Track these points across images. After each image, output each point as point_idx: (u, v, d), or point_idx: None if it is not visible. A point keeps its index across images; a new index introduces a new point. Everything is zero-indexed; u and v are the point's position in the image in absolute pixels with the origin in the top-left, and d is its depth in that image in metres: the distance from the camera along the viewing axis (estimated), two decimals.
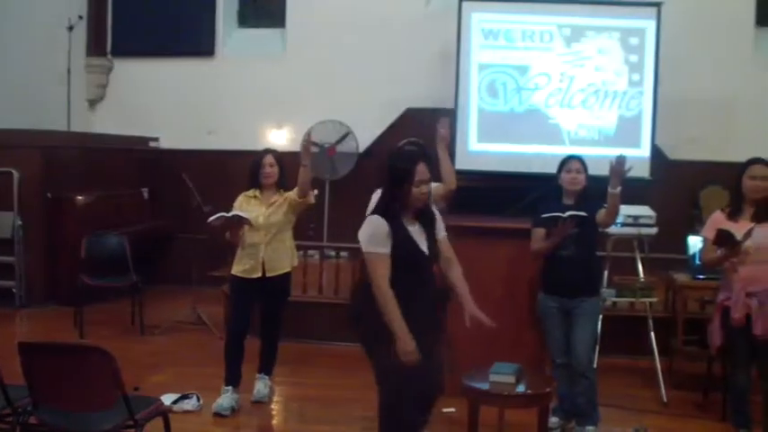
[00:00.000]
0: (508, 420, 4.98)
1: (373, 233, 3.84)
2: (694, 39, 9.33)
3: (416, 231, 3.91)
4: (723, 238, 4.69)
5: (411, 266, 3.84)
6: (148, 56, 10.49)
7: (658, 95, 8.97)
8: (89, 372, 3.60)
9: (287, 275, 5.61)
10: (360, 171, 9.57)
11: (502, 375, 3.76)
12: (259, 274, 5.44)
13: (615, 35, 9.05)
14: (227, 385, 5.46)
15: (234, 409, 5.42)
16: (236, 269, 5.55)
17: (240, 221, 5.37)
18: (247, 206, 5.50)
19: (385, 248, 3.80)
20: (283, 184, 5.57)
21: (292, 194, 5.45)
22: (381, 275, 3.77)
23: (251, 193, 5.58)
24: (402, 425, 3.87)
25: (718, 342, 4.97)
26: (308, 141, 5.37)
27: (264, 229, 5.45)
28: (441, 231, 4.01)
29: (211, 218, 5.41)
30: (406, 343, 3.67)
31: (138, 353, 6.75)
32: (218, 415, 5.33)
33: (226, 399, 5.42)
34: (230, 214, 5.38)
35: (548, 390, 3.88)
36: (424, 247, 3.90)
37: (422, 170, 3.82)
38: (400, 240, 3.82)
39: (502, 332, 4.14)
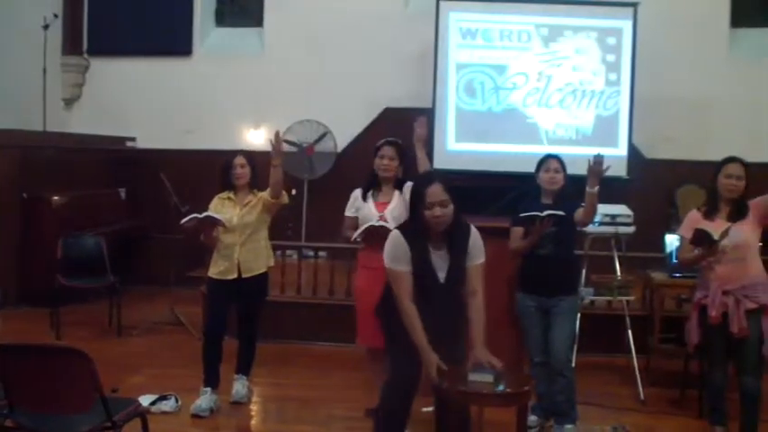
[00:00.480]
0: (488, 419, 5.01)
1: (392, 250, 3.89)
2: (670, 39, 9.42)
3: (440, 256, 3.90)
4: (700, 238, 4.73)
5: (421, 291, 3.87)
6: (125, 55, 10.42)
7: (635, 95, 9.03)
8: (66, 373, 3.57)
9: (263, 276, 5.58)
10: (338, 171, 9.57)
11: (481, 374, 3.76)
12: (235, 276, 5.41)
13: (592, 35, 9.10)
14: (205, 386, 5.44)
15: (212, 410, 5.40)
16: (212, 271, 5.52)
17: (213, 223, 5.33)
18: (222, 208, 5.47)
19: (404, 266, 3.83)
20: (256, 184, 5.52)
21: (265, 195, 5.42)
22: (402, 292, 3.83)
23: (225, 195, 5.55)
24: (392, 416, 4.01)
25: (695, 340, 5.01)
26: (277, 141, 5.32)
27: (239, 229, 5.42)
28: (474, 259, 3.94)
29: (184, 220, 5.38)
30: (427, 356, 3.75)
31: (116, 354, 6.70)
32: (196, 416, 5.31)
33: (204, 400, 5.39)
34: (203, 215, 5.34)
35: (526, 389, 3.88)
36: (441, 273, 3.90)
37: (433, 192, 3.77)
38: (417, 263, 3.84)
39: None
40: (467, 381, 3.72)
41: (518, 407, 3.98)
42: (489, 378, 3.73)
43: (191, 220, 5.33)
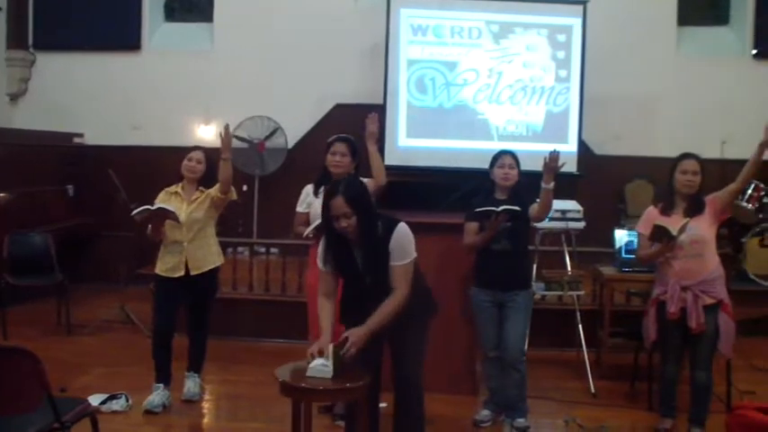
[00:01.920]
0: (439, 413, 5.04)
1: (319, 252, 4.14)
2: (619, 37, 9.56)
3: (359, 255, 3.99)
4: (659, 234, 4.78)
5: (348, 286, 4.11)
6: (72, 49, 10.29)
7: (585, 92, 9.13)
8: (12, 374, 3.49)
9: (213, 273, 5.52)
10: (289, 167, 9.54)
11: (320, 369, 3.77)
12: (182, 273, 5.33)
13: (543, 32, 9.19)
14: (157, 383, 5.40)
15: (165, 406, 5.36)
16: (159, 267, 5.43)
17: (165, 215, 5.24)
18: (168, 202, 5.36)
19: (324, 266, 4.10)
20: (206, 182, 5.42)
21: (214, 191, 5.35)
22: (320, 288, 4.14)
23: (173, 188, 5.46)
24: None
25: (653, 336, 5.05)
26: (226, 135, 5.25)
27: (187, 226, 5.33)
28: (396, 260, 3.93)
29: (135, 211, 5.24)
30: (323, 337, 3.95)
31: (65, 353, 6.61)
32: (149, 412, 5.26)
33: (157, 396, 5.35)
34: (155, 207, 5.25)
35: (354, 385, 3.83)
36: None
37: (335, 205, 3.84)
38: (336, 263, 4.04)
39: (433, 327, 4.18)
40: (304, 376, 3.77)
41: (353, 401, 3.97)
42: (328, 373, 3.74)
43: (142, 211, 5.22)
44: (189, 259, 5.34)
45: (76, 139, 10.23)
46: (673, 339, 4.96)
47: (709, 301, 4.81)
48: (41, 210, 8.82)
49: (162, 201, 5.39)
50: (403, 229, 3.96)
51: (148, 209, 5.22)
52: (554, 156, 4.79)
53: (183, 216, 5.30)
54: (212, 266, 5.48)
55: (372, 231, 3.89)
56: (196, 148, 5.57)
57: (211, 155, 5.50)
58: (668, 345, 5.00)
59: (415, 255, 3.98)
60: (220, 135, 5.24)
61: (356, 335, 3.81)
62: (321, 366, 3.75)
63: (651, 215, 5.04)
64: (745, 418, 4.50)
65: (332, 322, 4.01)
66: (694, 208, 4.88)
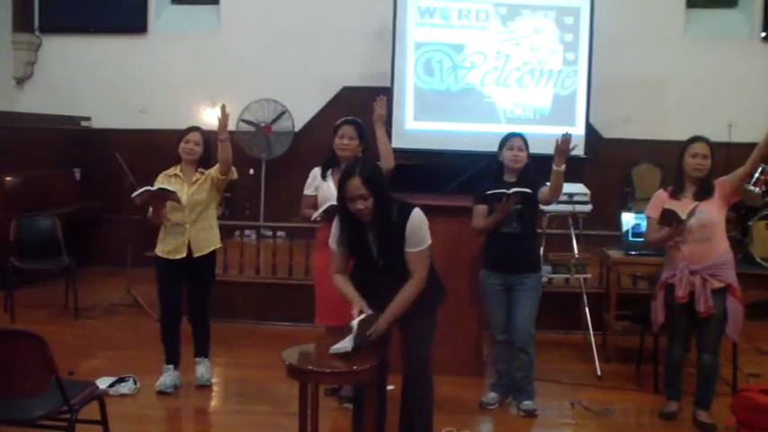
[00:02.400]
0: (446, 395, 5.05)
1: (332, 231, 4.13)
2: (627, 19, 9.50)
3: (373, 238, 3.97)
4: (668, 217, 4.75)
5: (361, 268, 4.11)
6: (78, 32, 10.26)
7: (592, 74, 9.08)
8: (21, 357, 3.51)
9: (212, 255, 5.50)
10: (296, 150, 9.53)
11: (343, 345, 3.79)
12: (184, 255, 5.32)
13: (551, 14, 9.12)
14: (167, 364, 5.44)
15: (177, 387, 5.42)
16: (160, 249, 5.40)
17: (166, 196, 5.20)
18: (168, 185, 5.30)
19: (337, 246, 4.10)
20: (205, 163, 5.41)
21: (214, 171, 5.33)
22: (332, 267, 4.15)
23: (171, 171, 5.42)
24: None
25: (661, 320, 5.03)
26: (223, 115, 5.21)
27: (189, 208, 5.31)
28: (411, 246, 3.91)
29: (135, 193, 5.19)
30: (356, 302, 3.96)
31: (73, 336, 6.64)
32: (161, 393, 5.32)
33: (168, 377, 5.40)
34: (155, 188, 5.20)
35: (361, 368, 3.82)
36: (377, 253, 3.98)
37: (351, 186, 3.81)
38: (349, 244, 4.03)
39: (442, 310, 4.18)
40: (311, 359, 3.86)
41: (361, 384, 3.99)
42: (348, 347, 3.77)
43: (143, 193, 5.17)
44: (192, 241, 5.33)
45: (83, 123, 10.23)
46: (680, 323, 4.95)
47: (717, 285, 4.79)
48: (48, 193, 8.83)
49: (160, 183, 5.33)
50: (418, 214, 3.94)
51: (149, 190, 5.17)
52: (566, 138, 4.76)
53: (184, 198, 5.28)
54: (214, 248, 5.48)
55: (388, 214, 3.87)
56: (192, 129, 5.50)
57: (211, 136, 5.45)
58: (676, 328, 4.99)
59: (430, 241, 3.97)
60: (218, 117, 5.21)
61: (380, 323, 3.84)
62: (347, 344, 3.79)
63: (660, 199, 5.01)
64: (750, 400, 4.52)
65: (354, 289, 4.01)
66: (704, 191, 4.85)
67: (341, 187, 3.88)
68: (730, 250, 4.94)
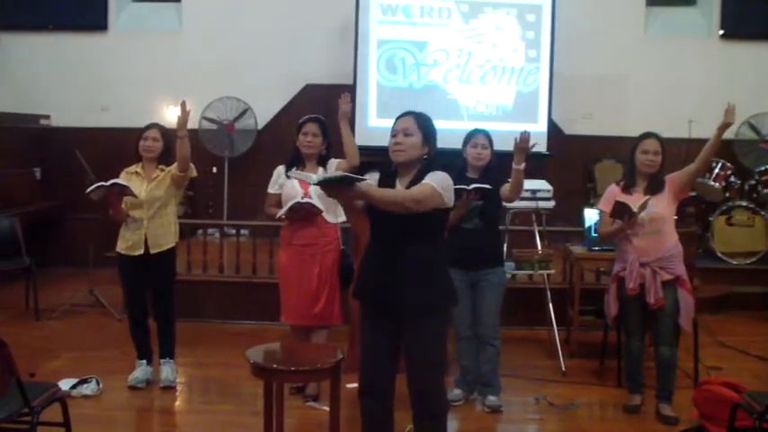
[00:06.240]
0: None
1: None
2: (588, 17, 9.60)
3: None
4: (620, 210, 4.84)
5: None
6: (38, 29, 10.11)
7: (554, 72, 9.16)
8: None
9: (171, 252, 5.47)
10: (259, 147, 9.50)
11: (308, 176, 3.74)
12: (141, 251, 5.30)
13: (512, 12, 9.19)
14: (140, 359, 5.48)
15: (149, 382, 5.45)
16: (120, 245, 5.40)
17: (121, 191, 5.17)
18: (129, 183, 5.27)
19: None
20: (167, 160, 5.38)
21: (174, 168, 5.30)
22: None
23: (132, 169, 5.40)
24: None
25: (614, 312, 5.16)
26: (183, 111, 5.15)
27: (147, 204, 5.29)
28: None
29: (89, 189, 5.15)
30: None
31: (34, 338, 6.56)
32: (133, 388, 5.36)
33: (140, 372, 5.44)
34: (109, 183, 5.14)
35: (323, 365, 3.79)
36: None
37: (403, 121, 3.83)
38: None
39: None
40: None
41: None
42: (312, 180, 3.59)
43: (97, 188, 5.14)
44: (149, 237, 5.30)
45: (43, 121, 10.09)
46: (633, 315, 5.05)
47: (666, 276, 4.91)
48: (8, 193, 8.70)
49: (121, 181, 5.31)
50: (443, 173, 3.78)
51: (103, 185, 5.13)
52: (525, 136, 4.78)
53: (143, 194, 5.26)
54: (171, 245, 5.44)
55: (426, 163, 3.80)
56: (151, 126, 5.48)
57: (171, 133, 5.40)
58: (629, 320, 5.10)
59: (442, 193, 3.68)
60: (178, 115, 5.16)
61: (357, 185, 3.48)
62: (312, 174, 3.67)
63: (612, 193, 5.12)
64: (711, 393, 4.59)
65: None
66: (654, 186, 4.97)
67: (395, 123, 3.84)
68: (679, 243, 5.04)
